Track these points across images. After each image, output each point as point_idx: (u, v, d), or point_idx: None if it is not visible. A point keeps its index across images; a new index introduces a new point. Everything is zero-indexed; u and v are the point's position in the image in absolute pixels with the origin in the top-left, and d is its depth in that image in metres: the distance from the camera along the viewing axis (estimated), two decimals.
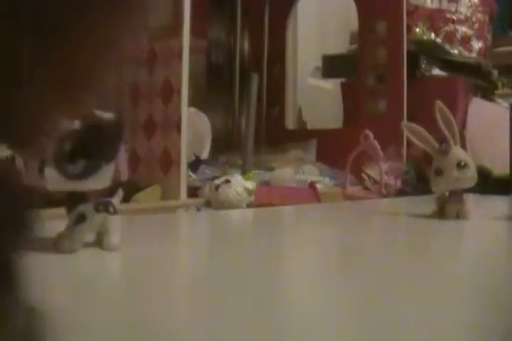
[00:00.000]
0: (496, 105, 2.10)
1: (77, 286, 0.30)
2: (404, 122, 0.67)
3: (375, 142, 1.04)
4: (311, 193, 1.05)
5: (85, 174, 0.36)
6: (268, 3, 2.06)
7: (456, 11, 1.99)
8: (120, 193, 0.41)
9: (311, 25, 2.24)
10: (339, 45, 2.20)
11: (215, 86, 1.90)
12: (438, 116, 0.62)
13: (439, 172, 0.62)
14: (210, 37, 1.92)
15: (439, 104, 0.63)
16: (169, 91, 1.16)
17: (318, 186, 1.17)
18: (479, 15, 2.04)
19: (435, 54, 1.90)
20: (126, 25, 0.16)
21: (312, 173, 1.53)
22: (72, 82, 0.15)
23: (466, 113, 1.81)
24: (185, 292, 0.30)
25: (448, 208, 0.63)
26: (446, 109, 0.63)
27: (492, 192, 1.00)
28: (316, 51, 2.18)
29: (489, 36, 2.11)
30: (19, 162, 0.34)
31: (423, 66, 1.85)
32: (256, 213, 0.78)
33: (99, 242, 0.39)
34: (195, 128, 1.33)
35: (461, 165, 0.61)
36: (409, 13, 1.82)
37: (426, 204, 0.68)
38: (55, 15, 0.14)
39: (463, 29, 1.98)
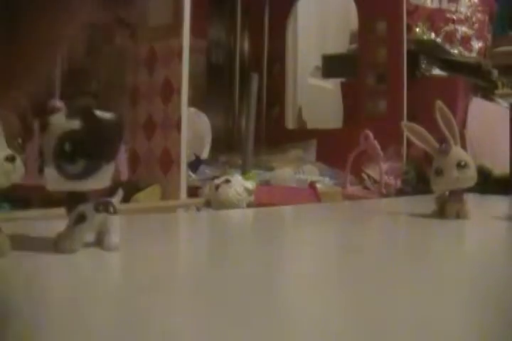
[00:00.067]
0: (496, 105, 2.10)
1: (77, 286, 0.30)
2: (404, 122, 0.67)
3: (375, 142, 1.04)
4: (311, 193, 1.04)
5: (85, 174, 0.36)
6: (268, 3, 2.06)
7: (456, 11, 1.99)
8: (120, 193, 0.41)
9: (311, 25, 2.24)
10: (339, 44, 2.20)
11: (215, 86, 1.90)
12: (438, 116, 0.62)
13: (439, 172, 0.62)
14: (210, 37, 1.93)
15: (439, 103, 0.63)
16: (169, 91, 1.16)
17: (318, 186, 1.17)
18: (479, 15, 2.04)
19: (435, 54, 1.90)
20: (65, 26, 0.16)
21: (312, 173, 1.53)
22: (17, 73, 0.16)
23: (466, 113, 1.81)
24: (185, 292, 0.30)
25: (448, 208, 0.63)
26: (446, 109, 0.63)
27: (492, 192, 1.00)
28: (316, 51, 2.18)
29: (489, 36, 2.11)
30: (19, 162, 0.34)
31: (423, 66, 1.85)
32: (256, 213, 0.78)
33: (99, 242, 0.39)
34: (195, 128, 1.33)
35: (461, 165, 0.61)
36: (409, 13, 1.82)
37: (426, 204, 0.68)
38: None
39: (463, 29, 1.98)
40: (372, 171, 1.28)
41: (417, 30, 1.91)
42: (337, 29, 2.30)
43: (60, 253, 0.37)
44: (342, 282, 0.34)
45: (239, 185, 0.86)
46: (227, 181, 0.86)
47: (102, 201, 0.38)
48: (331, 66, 2.08)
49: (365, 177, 1.31)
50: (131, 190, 1.04)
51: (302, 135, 1.89)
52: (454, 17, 1.98)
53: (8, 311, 0.25)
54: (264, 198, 0.90)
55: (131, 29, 1.31)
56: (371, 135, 1.04)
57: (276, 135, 1.94)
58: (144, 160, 1.21)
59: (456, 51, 1.95)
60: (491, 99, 2.12)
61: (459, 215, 0.62)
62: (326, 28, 2.31)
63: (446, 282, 0.33)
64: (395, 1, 1.77)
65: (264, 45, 2.07)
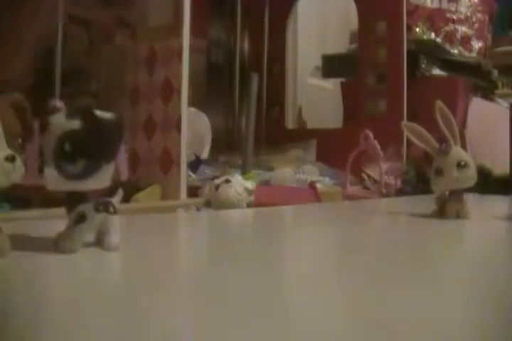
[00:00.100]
0: (496, 105, 2.10)
1: (77, 286, 0.30)
2: (404, 122, 0.67)
3: (375, 142, 1.04)
4: (311, 193, 1.04)
5: (85, 174, 0.36)
6: (268, 3, 2.06)
7: (456, 11, 1.99)
8: (120, 193, 0.41)
9: (311, 25, 2.24)
10: (339, 44, 2.20)
11: (215, 86, 1.90)
12: (438, 116, 0.62)
13: (439, 172, 0.62)
14: (210, 37, 1.93)
15: (439, 103, 0.63)
16: (169, 91, 1.16)
17: (318, 186, 1.17)
18: (479, 15, 2.05)
19: (435, 54, 1.90)
20: (31, 23, 0.17)
21: (312, 173, 1.53)
22: None
23: (466, 113, 1.81)
24: (185, 292, 0.30)
25: (448, 208, 0.63)
26: (446, 109, 0.63)
27: (492, 192, 1.00)
28: (316, 51, 2.18)
29: (489, 36, 2.11)
30: (19, 162, 0.34)
31: (423, 66, 1.85)
32: (256, 213, 0.78)
33: (99, 242, 0.39)
34: (195, 128, 1.33)
35: (461, 165, 0.61)
36: (409, 13, 1.83)
37: (426, 204, 0.68)
38: None
39: (463, 29, 1.98)
40: (372, 171, 1.29)
41: (417, 30, 1.91)
42: (337, 29, 2.30)
43: (60, 253, 0.37)
44: (342, 282, 0.34)
45: (239, 185, 0.86)
46: (227, 181, 0.86)
47: (102, 201, 0.38)
48: (331, 66, 2.08)
49: (365, 177, 1.31)
50: (131, 190, 1.04)
51: (302, 135, 1.89)
52: (454, 17, 1.98)
53: (8, 311, 0.25)
54: (264, 198, 0.90)
55: (131, 29, 1.31)
56: (371, 135, 1.04)
57: (276, 135, 1.94)
58: (144, 160, 1.21)
59: (456, 51, 1.95)
60: (491, 99, 2.12)
61: (459, 215, 0.62)
62: (326, 28, 2.31)
63: (446, 282, 0.33)
64: (395, 1, 1.77)
65: (264, 45, 2.07)
